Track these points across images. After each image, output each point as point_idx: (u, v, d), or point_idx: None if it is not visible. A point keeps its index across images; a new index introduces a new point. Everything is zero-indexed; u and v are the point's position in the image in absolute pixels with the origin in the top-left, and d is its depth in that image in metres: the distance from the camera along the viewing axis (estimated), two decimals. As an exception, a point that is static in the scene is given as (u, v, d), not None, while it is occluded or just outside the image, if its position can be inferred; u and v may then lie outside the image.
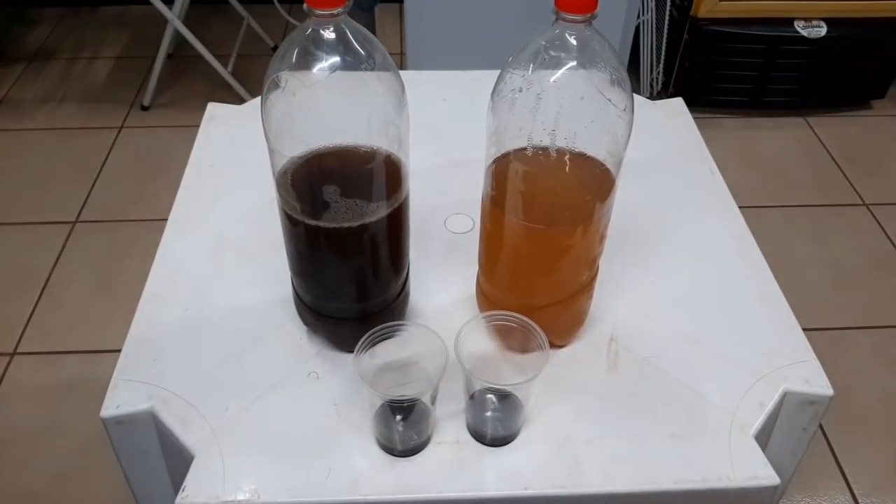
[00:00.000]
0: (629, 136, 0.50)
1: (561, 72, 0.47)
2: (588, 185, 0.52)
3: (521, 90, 0.48)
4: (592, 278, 0.58)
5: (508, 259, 0.57)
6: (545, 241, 0.54)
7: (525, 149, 0.50)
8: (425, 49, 1.51)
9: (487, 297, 0.60)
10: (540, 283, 0.56)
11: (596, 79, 0.48)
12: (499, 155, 0.52)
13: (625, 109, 0.49)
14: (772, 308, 0.63)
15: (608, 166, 0.51)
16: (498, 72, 0.50)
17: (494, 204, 0.54)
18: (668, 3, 1.81)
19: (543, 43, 0.47)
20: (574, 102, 0.48)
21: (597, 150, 0.51)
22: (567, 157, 0.50)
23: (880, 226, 1.65)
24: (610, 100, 0.48)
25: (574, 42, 0.47)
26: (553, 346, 0.58)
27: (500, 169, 0.52)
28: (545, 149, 0.49)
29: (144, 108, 1.96)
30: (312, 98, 0.46)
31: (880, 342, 1.40)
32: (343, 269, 0.55)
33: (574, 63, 0.47)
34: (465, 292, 0.63)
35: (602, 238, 0.55)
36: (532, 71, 0.48)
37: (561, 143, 0.49)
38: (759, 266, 0.67)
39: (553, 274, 0.56)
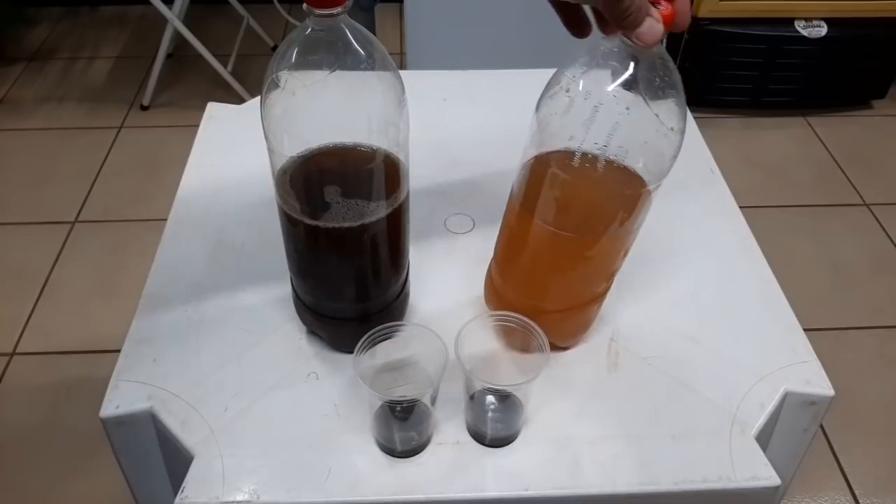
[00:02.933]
0: (676, 158, 0.49)
1: (620, 85, 0.46)
2: (625, 201, 0.50)
3: (575, 96, 0.47)
4: (607, 289, 0.58)
5: (528, 260, 0.56)
6: (571, 248, 0.53)
7: (569, 155, 0.48)
8: (425, 49, 1.51)
9: (498, 294, 0.59)
10: (556, 288, 0.56)
11: (652, 97, 0.46)
12: (539, 155, 0.51)
13: (674, 130, 0.47)
14: (772, 308, 0.63)
15: (649, 186, 0.50)
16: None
17: (524, 204, 0.53)
18: (669, 3, 1.81)
19: (605, 49, 0.46)
20: (628, 118, 0.47)
21: (642, 167, 0.49)
22: (611, 170, 0.48)
23: (880, 226, 1.65)
24: (660, 119, 0.47)
25: (637, 60, 0.45)
26: (555, 348, 0.58)
27: (538, 171, 0.51)
28: (590, 159, 0.48)
29: (144, 108, 1.96)
30: (312, 98, 0.46)
31: (881, 342, 1.40)
32: (343, 270, 0.55)
33: (634, 79, 0.46)
34: (465, 292, 0.63)
35: (626, 253, 0.55)
36: (589, 79, 0.46)
37: (608, 156, 0.48)
38: (759, 266, 0.67)
39: (571, 281, 0.55)
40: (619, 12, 0.43)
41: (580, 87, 0.47)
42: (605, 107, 0.46)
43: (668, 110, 0.47)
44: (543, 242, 0.53)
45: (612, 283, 0.57)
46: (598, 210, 0.52)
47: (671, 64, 0.47)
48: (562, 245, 0.52)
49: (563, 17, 0.49)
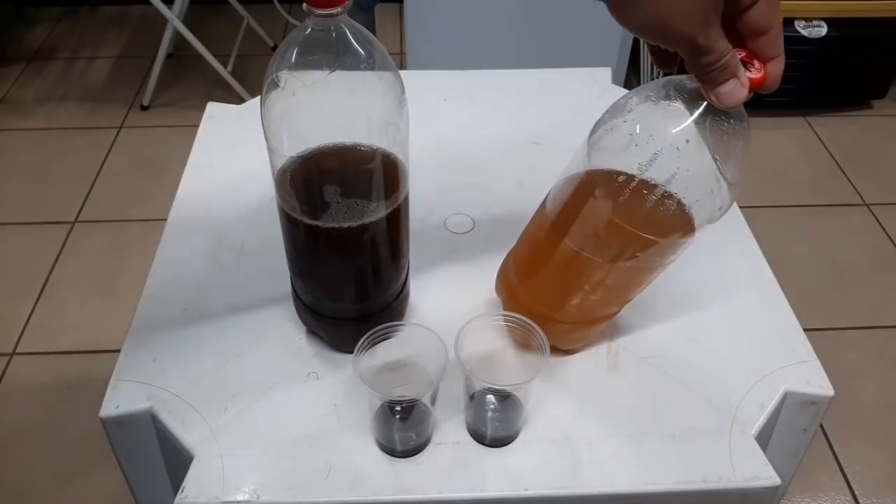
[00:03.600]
0: (727, 210, 0.47)
1: (685, 128, 0.43)
2: (665, 242, 0.48)
3: (636, 135, 0.44)
4: (617, 312, 0.57)
5: (548, 272, 0.55)
6: (594, 272, 0.52)
7: (620, 189, 0.45)
8: (425, 49, 1.52)
9: (511, 290, 0.58)
10: (570, 304, 0.55)
11: (716, 146, 0.44)
12: (584, 179, 0.48)
13: (732, 184, 0.45)
14: (772, 308, 0.63)
15: (694, 229, 0.47)
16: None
17: (556, 223, 0.51)
18: (669, 3, 1.81)
19: (681, 85, 0.43)
20: (688, 169, 0.44)
21: (691, 212, 0.47)
22: (658, 211, 0.46)
23: (880, 226, 1.65)
24: (720, 170, 0.44)
25: (711, 107, 0.42)
26: (557, 351, 0.58)
27: (580, 195, 0.49)
28: (641, 196, 0.45)
29: (144, 108, 1.96)
30: (312, 98, 0.46)
31: (880, 342, 1.40)
32: (343, 270, 0.55)
33: (703, 123, 0.43)
34: (465, 292, 0.63)
35: (647, 285, 0.54)
36: (654, 117, 0.44)
37: (659, 198, 0.45)
38: (759, 266, 0.67)
39: (586, 301, 0.54)
40: (701, 66, 0.40)
41: (642, 127, 0.44)
42: (665, 155, 0.43)
43: (730, 162, 0.44)
44: (569, 262, 0.52)
45: (623, 307, 0.57)
46: (635, 246, 0.49)
47: (744, 115, 0.43)
48: (587, 268, 0.51)
49: (650, 48, 0.46)
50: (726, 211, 0.47)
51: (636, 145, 0.45)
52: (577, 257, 0.51)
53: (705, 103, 0.43)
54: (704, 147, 0.43)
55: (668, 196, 0.45)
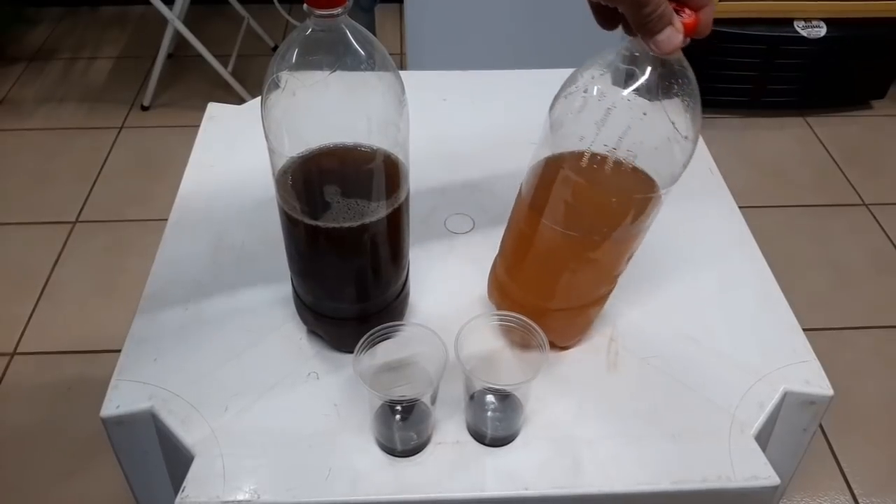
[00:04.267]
0: (687, 164, 0.49)
1: (637, 88, 0.46)
2: (634, 204, 0.50)
3: (590, 97, 0.47)
4: (610, 291, 0.58)
5: (534, 259, 0.56)
6: (577, 249, 0.53)
7: (580, 156, 0.48)
8: (425, 49, 1.51)
9: (502, 290, 0.59)
10: (560, 288, 0.56)
11: (669, 101, 0.46)
12: (550, 155, 0.50)
13: (688, 138, 0.47)
14: (772, 308, 0.63)
15: (660, 189, 0.49)
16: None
17: (533, 203, 0.53)
18: (668, 3, 1.81)
19: (626, 52, 0.46)
20: (641, 123, 0.46)
21: (653, 172, 0.49)
22: (621, 172, 0.48)
23: (880, 226, 1.65)
24: (675, 126, 0.46)
25: (656, 65, 0.45)
26: (555, 347, 0.58)
27: (549, 171, 0.51)
28: (601, 161, 0.48)
29: (144, 108, 1.96)
30: (312, 98, 0.46)
31: (880, 342, 1.40)
32: (343, 270, 0.55)
33: (651, 83, 0.46)
34: (465, 292, 0.63)
35: (630, 257, 0.55)
36: (606, 80, 0.46)
37: (618, 158, 0.48)
38: (759, 266, 0.67)
39: (576, 282, 0.55)
40: (640, 18, 0.43)
41: (595, 89, 0.47)
42: (618, 109, 0.46)
43: (683, 117, 0.46)
44: (550, 242, 0.53)
45: (615, 285, 0.57)
46: (606, 212, 0.51)
47: (690, 73, 0.46)
48: (568, 245, 0.52)
49: (593, 7, 0.48)
50: (687, 165, 0.49)
51: (589, 107, 0.47)
52: (556, 235, 0.52)
53: (650, 66, 0.45)
54: (655, 103, 0.46)
55: (627, 155, 0.48)
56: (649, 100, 0.46)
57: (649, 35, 0.43)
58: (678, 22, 0.43)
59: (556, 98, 0.49)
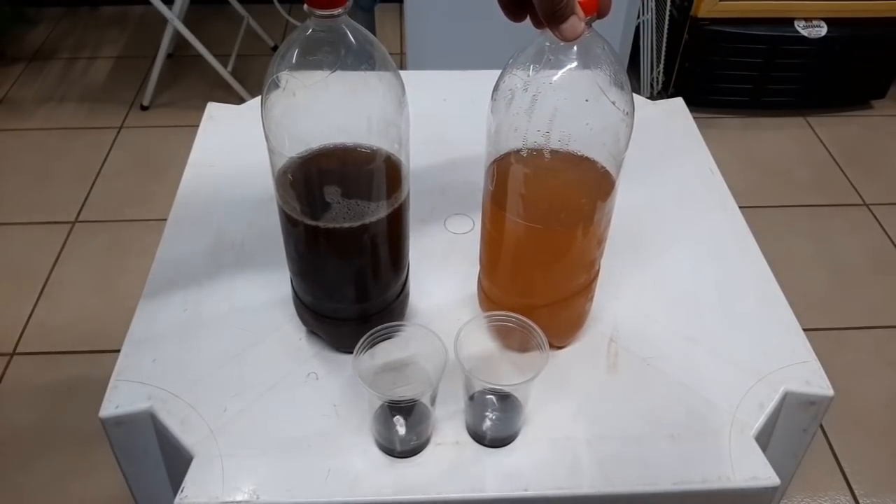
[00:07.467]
0: (629, 138, 0.50)
1: (560, 73, 0.47)
2: (586, 187, 0.52)
3: (518, 91, 0.48)
4: (591, 281, 0.58)
5: (507, 257, 0.57)
6: (542, 240, 0.54)
7: (521, 150, 0.50)
8: (425, 49, 1.51)
9: (487, 295, 0.60)
10: (538, 282, 0.56)
11: (597, 80, 0.48)
12: (498, 155, 0.52)
13: (626, 112, 0.49)
14: (772, 308, 0.63)
15: (608, 168, 0.51)
16: (499, 71, 0.50)
17: (493, 202, 0.54)
18: (668, 3, 1.82)
19: (546, 44, 0.48)
20: (573, 104, 0.48)
21: (596, 152, 0.51)
22: (564, 158, 0.50)
23: (880, 226, 1.65)
24: (613, 102, 0.48)
25: (574, 44, 0.47)
26: (552, 346, 0.58)
27: (499, 169, 0.52)
28: (540, 150, 0.49)
29: (144, 108, 1.96)
30: (312, 98, 0.46)
31: (880, 342, 1.40)
32: (343, 270, 0.55)
33: (574, 64, 0.47)
34: (464, 293, 0.63)
35: (600, 241, 0.55)
36: (532, 72, 0.48)
37: (556, 145, 0.49)
38: (759, 266, 0.67)
39: (551, 274, 0.56)
40: (549, 8, 0.45)
41: (521, 80, 0.48)
42: (542, 94, 0.48)
43: (613, 92, 0.48)
44: (516, 237, 0.54)
45: (595, 273, 0.58)
46: (559, 198, 0.53)
47: (608, 47, 0.48)
48: (534, 237, 0.53)
49: (500, 2, 0.51)
50: (629, 140, 0.50)
51: (517, 100, 0.49)
52: (520, 228, 0.53)
53: (571, 51, 0.47)
54: (587, 86, 0.48)
55: (560, 140, 0.49)
56: (580, 83, 0.48)
57: (556, 24, 0.46)
58: (580, 11, 0.46)
59: (490, 97, 0.51)
